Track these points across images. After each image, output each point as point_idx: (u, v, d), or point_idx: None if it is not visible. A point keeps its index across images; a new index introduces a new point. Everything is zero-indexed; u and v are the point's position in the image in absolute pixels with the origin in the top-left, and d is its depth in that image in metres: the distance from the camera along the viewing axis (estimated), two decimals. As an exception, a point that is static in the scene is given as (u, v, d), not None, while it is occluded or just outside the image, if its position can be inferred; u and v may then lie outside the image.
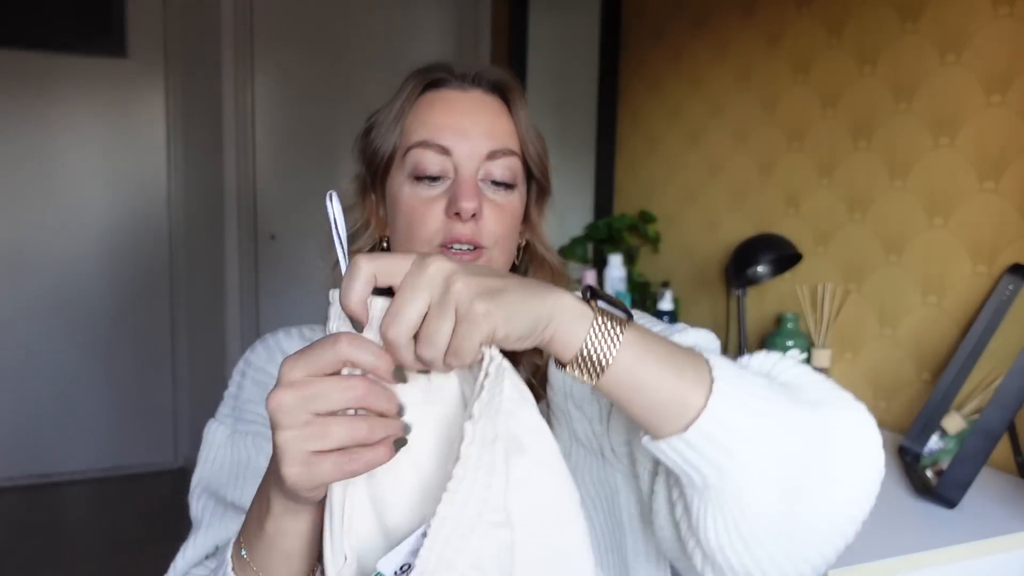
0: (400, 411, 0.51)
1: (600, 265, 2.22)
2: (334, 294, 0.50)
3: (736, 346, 1.94)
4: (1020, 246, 1.35)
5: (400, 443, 0.50)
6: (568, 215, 2.46)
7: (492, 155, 0.76)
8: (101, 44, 3.16)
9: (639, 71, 2.38)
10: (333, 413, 0.48)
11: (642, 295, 2.20)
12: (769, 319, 1.88)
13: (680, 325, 0.78)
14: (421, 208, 0.76)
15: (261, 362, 0.84)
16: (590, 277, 2.10)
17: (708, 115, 2.10)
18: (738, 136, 2.00)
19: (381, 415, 0.49)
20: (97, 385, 3.30)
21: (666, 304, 1.98)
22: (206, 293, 3.18)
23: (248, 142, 2.95)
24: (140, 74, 3.22)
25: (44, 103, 3.10)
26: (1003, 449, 1.30)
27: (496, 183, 0.77)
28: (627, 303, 2.08)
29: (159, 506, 3.08)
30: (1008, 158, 1.36)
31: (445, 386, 0.53)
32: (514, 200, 0.79)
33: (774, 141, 1.88)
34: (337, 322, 0.51)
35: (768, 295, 1.89)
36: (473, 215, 0.74)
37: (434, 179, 0.76)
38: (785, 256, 1.79)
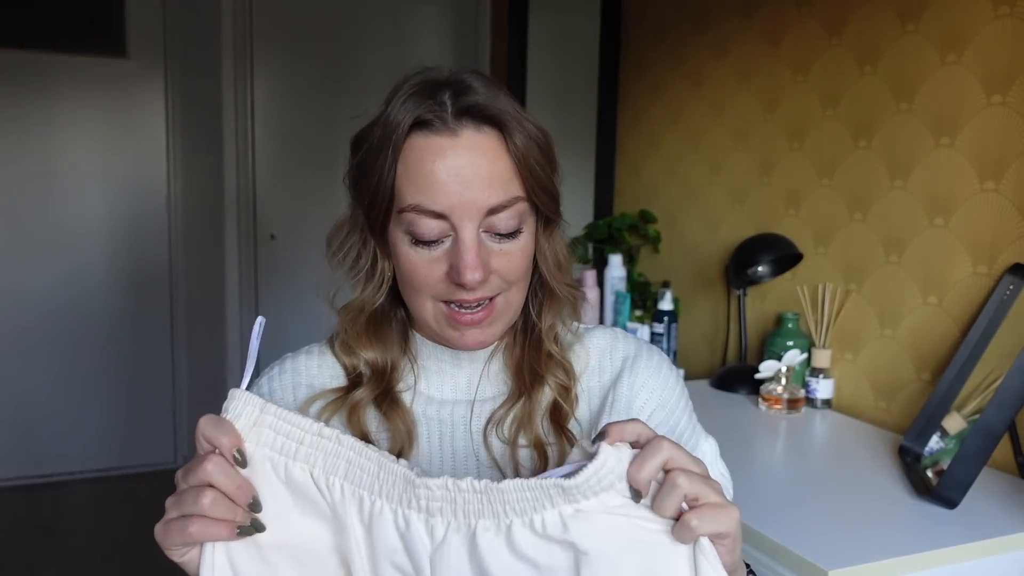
0: (254, 507, 0.57)
1: (600, 265, 2.22)
2: (236, 393, 0.59)
3: (736, 346, 1.94)
4: (1020, 246, 1.35)
5: (246, 531, 0.57)
6: (568, 215, 2.46)
7: (493, 210, 0.70)
8: (101, 44, 3.16)
9: (639, 71, 2.38)
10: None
11: (642, 295, 2.20)
12: (769, 319, 1.88)
13: (695, 436, 0.83)
14: (422, 270, 0.72)
15: (281, 395, 0.81)
16: (590, 277, 2.10)
17: (708, 115, 2.10)
18: (738, 136, 1.99)
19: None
20: (97, 385, 3.30)
21: (666, 304, 1.98)
22: (206, 293, 3.17)
23: (248, 142, 2.95)
24: (140, 74, 3.22)
25: (44, 103, 3.10)
26: (1003, 449, 1.30)
27: (502, 235, 0.72)
28: (627, 303, 2.08)
29: (159, 506, 3.06)
30: (1008, 158, 1.36)
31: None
32: (523, 241, 0.74)
33: (774, 141, 1.88)
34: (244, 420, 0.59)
35: (768, 295, 1.89)
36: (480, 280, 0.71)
37: (433, 242, 0.71)
38: (785, 256, 1.79)
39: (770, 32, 1.88)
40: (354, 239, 0.78)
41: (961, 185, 1.44)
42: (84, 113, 3.17)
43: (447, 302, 0.73)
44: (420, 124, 0.70)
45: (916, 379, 1.54)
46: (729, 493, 0.82)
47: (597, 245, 2.37)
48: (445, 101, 0.70)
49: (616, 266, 2.14)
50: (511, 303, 0.76)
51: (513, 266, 0.73)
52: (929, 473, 1.29)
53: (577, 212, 2.51)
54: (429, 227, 0.71)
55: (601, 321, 2.12)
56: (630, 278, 2.21)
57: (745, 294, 1.91)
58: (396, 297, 0.81)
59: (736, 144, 2.00)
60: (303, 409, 0.79)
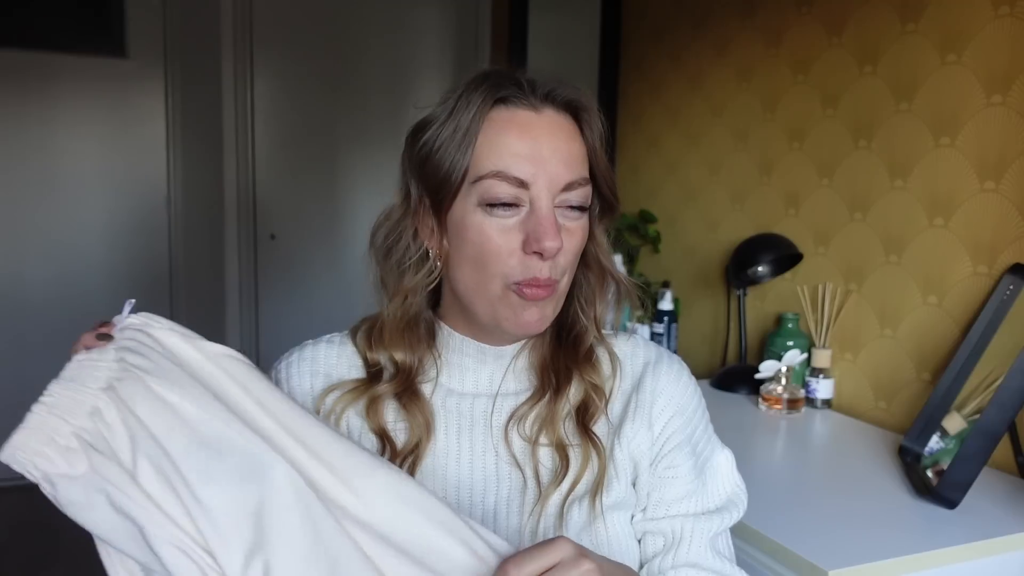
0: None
1: (600, 265, 2.22)
2: None
3: (736, 346, 1.94)
4: (1020, 246, 1.35)
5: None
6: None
7: (569, 186, 0.73)
8: (101, 44, 3.16)
9: (639, 71, 2.38)
10: None
11: (642, 295, 2.20)
12: (769, 319, 1.88)
13: (711, 445, 0.84)
14: (497, 240, 0.72)
15: (298, 381, 0.81)
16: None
17: (708, 115, 2.10)
18: (738, 136, 1.99)
19: None
20: (97, 385, 3.29)
21: (666, 304, 1.98)
22: (206, 293, 3.17)
23: (248, 142, 2.95)
24: (140, 74, 3.22)
25: (44, 103, 3.10)
26: (1003, 449, 1.30)
27: (571, 208, 0.74)
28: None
29: (159, 506, 3.07)
30: (1008, 158, 1.36)
31: None
32: (584, 223, 0.76)
33: (774, 141, 1.88)
34: None
35: (768, 295, 1.89)
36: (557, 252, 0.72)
37: (508, 207, 0.72)
38: (785, 256, 1.79)
39: (770, 32, 1.88)
40: (405, 224, 0.77)
41: (961, 185, 1.44)
42: (84, 113, 3.17)
43: (517, 284, 0.72)
44: (502, 100, 0.73)
45: (916, 379, 1.54)
46: (743, 504, 0.82)
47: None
48: (525, 85, 0.74)
49: (616, 266, 2.14)
50: (564, 291, 0.77)
51: (576, 244, 0.75)
52: (929, 473, 1.29)
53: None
54: (507, 192, 0.71)
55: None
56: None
57: (745, 294, 1.91)
58: (430, 295, 0.81)
59: (736, 144, 2.00)
60: (320, 399, 0.79)
